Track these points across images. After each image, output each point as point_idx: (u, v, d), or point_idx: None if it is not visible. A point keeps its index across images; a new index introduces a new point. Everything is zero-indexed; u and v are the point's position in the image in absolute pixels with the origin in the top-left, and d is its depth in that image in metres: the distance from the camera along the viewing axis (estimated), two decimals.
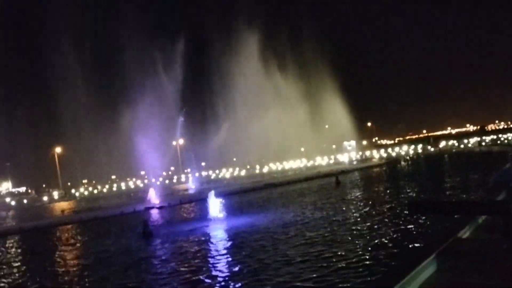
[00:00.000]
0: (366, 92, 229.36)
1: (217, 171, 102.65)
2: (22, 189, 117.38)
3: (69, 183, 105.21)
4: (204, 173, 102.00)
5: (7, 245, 26.08)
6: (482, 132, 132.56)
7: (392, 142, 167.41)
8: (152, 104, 58.90)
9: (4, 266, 18.69)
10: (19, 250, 24.31)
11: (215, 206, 24.24)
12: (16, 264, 19.15)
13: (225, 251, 15.70)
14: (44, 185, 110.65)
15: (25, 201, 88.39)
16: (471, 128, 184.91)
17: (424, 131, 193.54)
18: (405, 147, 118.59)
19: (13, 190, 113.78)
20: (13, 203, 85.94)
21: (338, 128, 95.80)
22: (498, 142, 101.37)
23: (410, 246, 13.00)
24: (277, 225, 19.73)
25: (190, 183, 74.95)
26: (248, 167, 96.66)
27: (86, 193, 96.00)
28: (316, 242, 15.09)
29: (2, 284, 15.07)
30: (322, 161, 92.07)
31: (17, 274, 16.85)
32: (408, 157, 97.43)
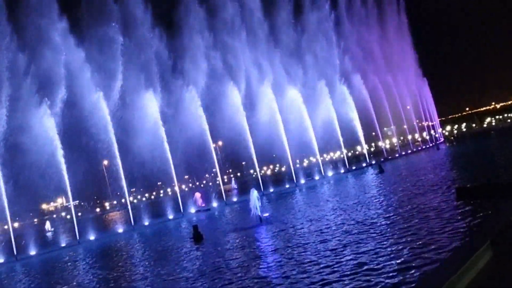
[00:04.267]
0: None
1: (258, 169, 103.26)
2: (76, 202, 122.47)
3: (118, 193, 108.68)
4: (245, 172, 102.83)
5: (73, 255, 27.41)
6: None
7: (434, 123, 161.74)
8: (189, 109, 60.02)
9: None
10: (84, 263, 25.53)
11: (258, 205, 24.55)
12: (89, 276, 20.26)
13: (270, 254, 15.97)
14: (95, 197, 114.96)
15: (79, 214, 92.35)
16: None
17: (467, 109, 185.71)
18: (448, 127, 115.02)
19: (67, 204, 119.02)
20: (68, 216, 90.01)
21: (376, 114, 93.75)
22: None
23: (464, 233, 12.81)
24: (320, 224, 19.65)
25: (233, 183, 75.98)
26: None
27: (135, 201, 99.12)
28: (360, 241, 15.11)
29: None
30: (362, 150, 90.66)
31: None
32: (452, 137, 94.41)
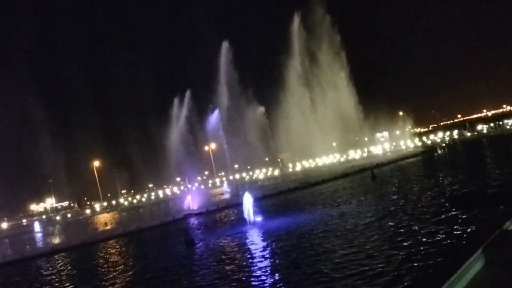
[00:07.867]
0: (395, 81, 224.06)
1: (250, 173, 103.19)
2: (65, 203, 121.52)
3: (109, 195, 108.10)
4: (237, 175, 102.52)
5: (58, 263, 26.86)
6: None
7: (426, 129, 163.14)
8: (182, 112, 60.06)
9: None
10: (69, 267, 25.01)
11: (251, 210, 24.28)
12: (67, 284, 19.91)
13: (263, 259, 15.76)
14: (85, 198, 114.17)
15: (69, 215, 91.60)
16: (508, 108, 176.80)
17: (459, 116, 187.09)
18: (440, 134, 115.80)
19: (57, 205, 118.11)
20: (57, 218, 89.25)
21: (369, 120, 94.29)
22: None
23: (456, 241, 12.73)
24: (313, 228, 19.59)
25: (225, 186, 75.83)
26: (281, 165, 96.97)
27: (126, 203, 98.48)
28: (358, 246, 14.98)
29: None
30: (355, 154, 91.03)
31: None
32: (444, 144, 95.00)
